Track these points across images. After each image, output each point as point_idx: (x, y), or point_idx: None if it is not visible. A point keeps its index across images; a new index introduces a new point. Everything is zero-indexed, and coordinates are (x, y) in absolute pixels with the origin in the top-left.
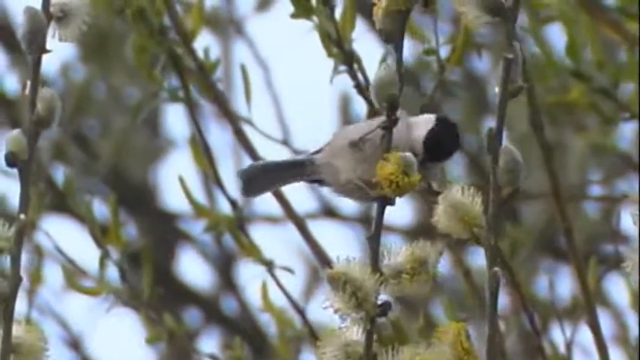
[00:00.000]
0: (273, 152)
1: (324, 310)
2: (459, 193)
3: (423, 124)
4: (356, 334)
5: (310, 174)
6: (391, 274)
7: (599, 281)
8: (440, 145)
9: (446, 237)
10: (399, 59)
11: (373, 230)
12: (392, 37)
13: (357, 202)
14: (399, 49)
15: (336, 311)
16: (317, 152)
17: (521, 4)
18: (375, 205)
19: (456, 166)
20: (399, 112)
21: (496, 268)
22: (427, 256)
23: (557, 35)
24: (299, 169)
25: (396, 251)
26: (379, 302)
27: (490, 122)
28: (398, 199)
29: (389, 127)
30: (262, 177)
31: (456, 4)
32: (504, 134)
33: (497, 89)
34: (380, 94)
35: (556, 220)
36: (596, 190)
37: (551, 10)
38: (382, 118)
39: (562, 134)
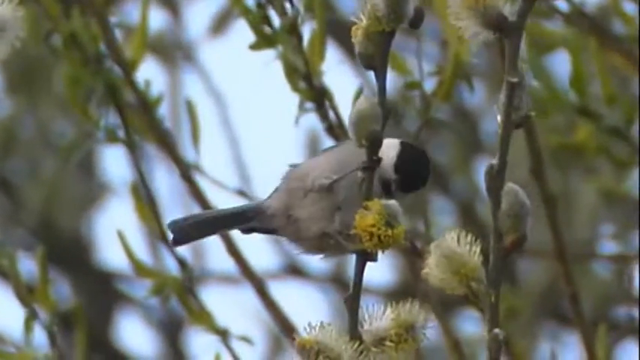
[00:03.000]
0: (227, 202)
1: None
2: (453, 242)
3: (387, 148)
4: None
5: (258, 223)
6: (373, 341)
7: (609, 351)
8: (414, 170)
9: (429, 299)
10: (382, 89)
11: (352, 290)
12: (373, 63)
13: (326, 258)
14: (381, 77)
15: None
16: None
17: (527, 18)
18: (352, 261)
19: (445, 215)
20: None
21: (497, 331)
22: (415, 320)
23: (560, 66)
24: (240, 220)
25: (378, 315)
26: None
27: (484, 163)
28: (380, 254)
29: (370, 168)
30: (195, 229)
31: (451, 19)
32: None
33: (498, 118)
34: (359, 129)
35: (560, 282)
36: (607, 246)
37: (553, 37)
38: (347, 147)
39: (567, 181)
